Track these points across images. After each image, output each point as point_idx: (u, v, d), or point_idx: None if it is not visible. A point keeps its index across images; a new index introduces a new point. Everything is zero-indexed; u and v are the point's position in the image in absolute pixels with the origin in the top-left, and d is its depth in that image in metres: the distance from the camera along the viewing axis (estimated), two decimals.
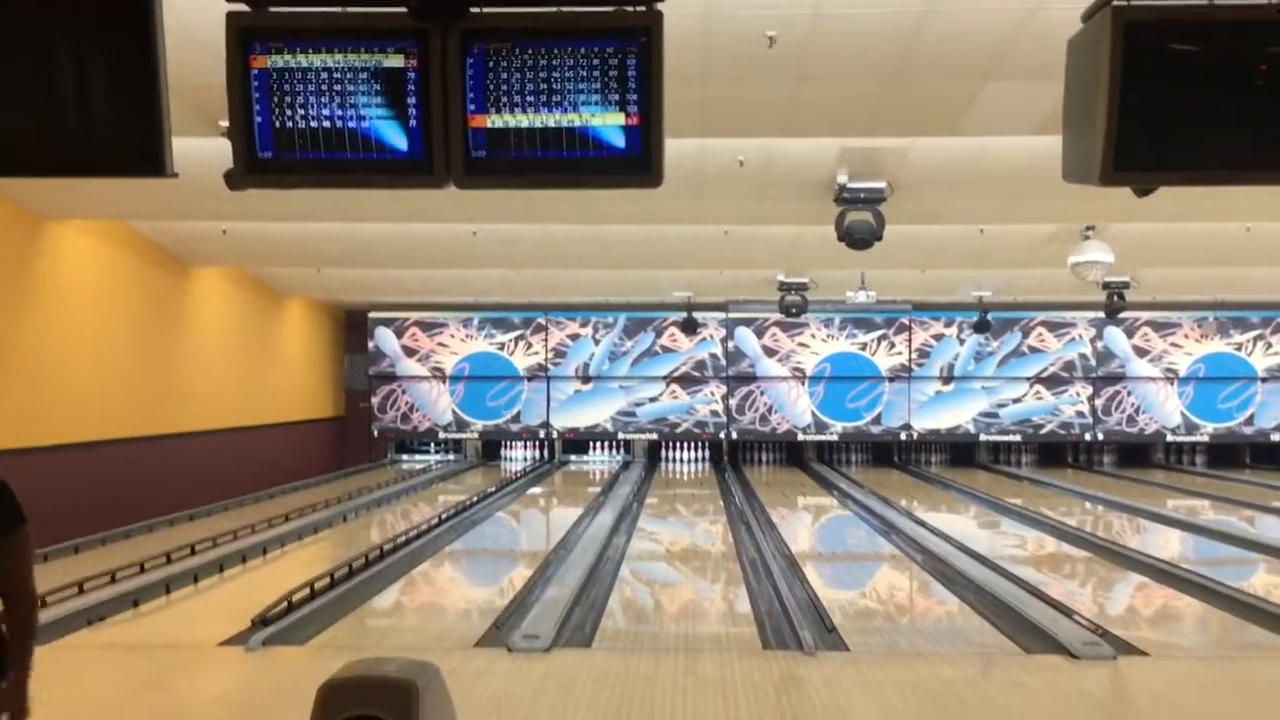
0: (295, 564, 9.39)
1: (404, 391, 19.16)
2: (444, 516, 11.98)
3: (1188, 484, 16.21)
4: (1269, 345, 18.39)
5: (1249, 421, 18.47)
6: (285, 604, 7.03)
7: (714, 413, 19.08)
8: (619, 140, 3.05)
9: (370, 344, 19.09)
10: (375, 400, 19.08)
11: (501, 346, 19.13)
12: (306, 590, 7.50)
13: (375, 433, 19.10)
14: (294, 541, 10.57)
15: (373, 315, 18.97)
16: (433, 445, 19.60)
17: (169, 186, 7.78)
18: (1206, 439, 18.44)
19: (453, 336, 19.16)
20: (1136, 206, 6.43)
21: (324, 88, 3.05)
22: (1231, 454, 18.30)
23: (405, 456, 19.47)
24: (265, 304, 15.79)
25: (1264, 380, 18.30)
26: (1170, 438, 18.63)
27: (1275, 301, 17.32)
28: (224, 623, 6.86)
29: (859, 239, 8.02)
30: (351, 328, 19.31)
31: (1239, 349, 18.43)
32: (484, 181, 3.31)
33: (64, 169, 3.30)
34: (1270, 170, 3.22)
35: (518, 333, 19.08)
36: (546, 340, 19.09)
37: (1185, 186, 3.80)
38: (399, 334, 19.14)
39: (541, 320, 19.04)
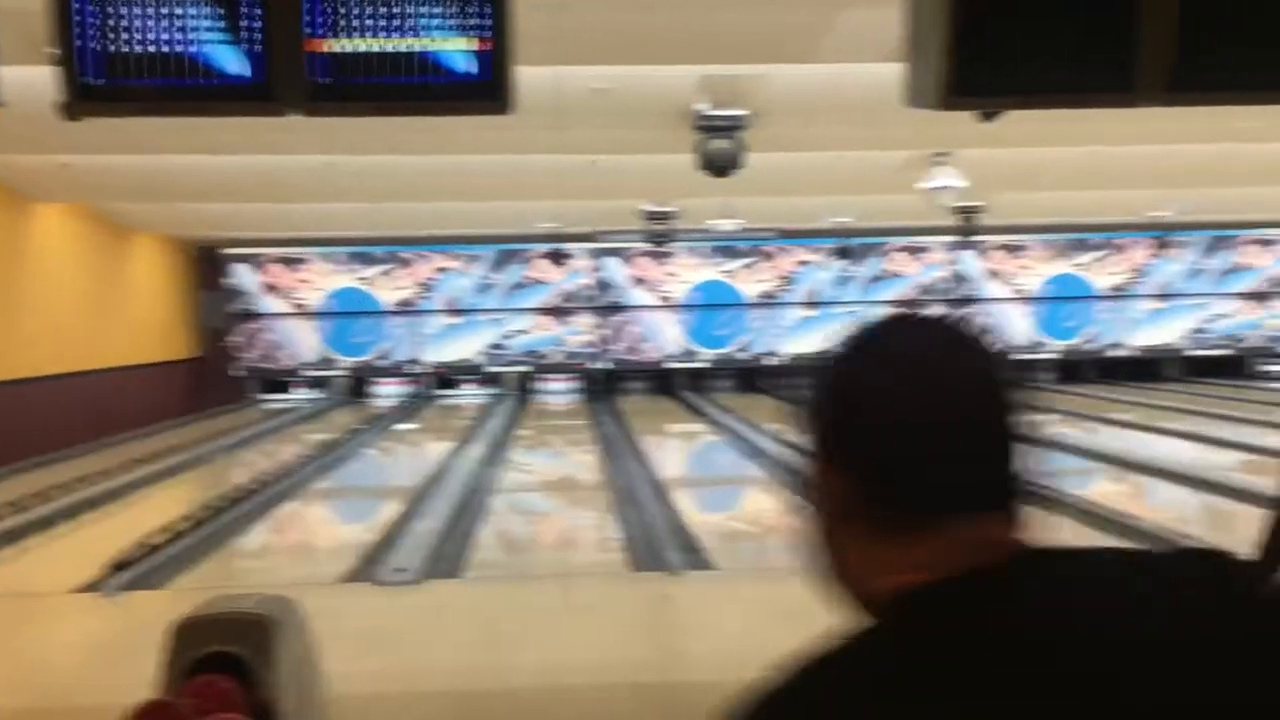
0: (155, 508, 9.14)
1: (266, 330, 18.67)
2: (311, 455, 11.80)
3: (1035, 399, 16.90)
4: (1109, 265, 19.25)
5: (1091, 339, 19.37)
6: (144, 548, 6.86)
7: (585, 343, 19.12)
8: (467, 66, 3.00)
9: (227, 281, 18.49)
10: (235, 339, 18.55)
11: (367, 281, 18.76)
12: (167, 533, 7.33)
13: (237, 373, 18.58)
14: (153, 485, 10.28)
15: (229, 251, 18.35)
16: (298, 384, 19.16)
17: (2, 118, 7.37)
18: (1054, 356, 19.27)
19: (316, 272, 18.70)
20: (986, 132, 6.63)
21: (156, 10, 2.92)
22: (1075, 370, 19.16)
23: (270, 396, 19.01)
24: (113, 241, 15.13)
25: (1105, 299, 19.16)
26: (1020, 355, 19.42)
27: (1117, 223, 18.08)
28: (79, 569, 6.66)
29: (719, 166, 8.08)
30: (207, 265, 18.62)
31: (1083, 269, 19.24)
32: (327, 109, 3.23)
33: None
34: (1108, 93, 3.35)
35: (384, 267, 18.72)
36: (413, 274, 18.79)
37: (1026, 110, 3.93)
38: (258, 270, 18.58)
39: (407, 254, 18.71)
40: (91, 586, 6.25)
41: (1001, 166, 10.84)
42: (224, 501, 8.62)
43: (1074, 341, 19.30)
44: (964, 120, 5.83)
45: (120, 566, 6.51)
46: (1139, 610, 0.86)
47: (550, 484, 10.92)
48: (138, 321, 16.07)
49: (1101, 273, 19.36)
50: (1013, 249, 19.08)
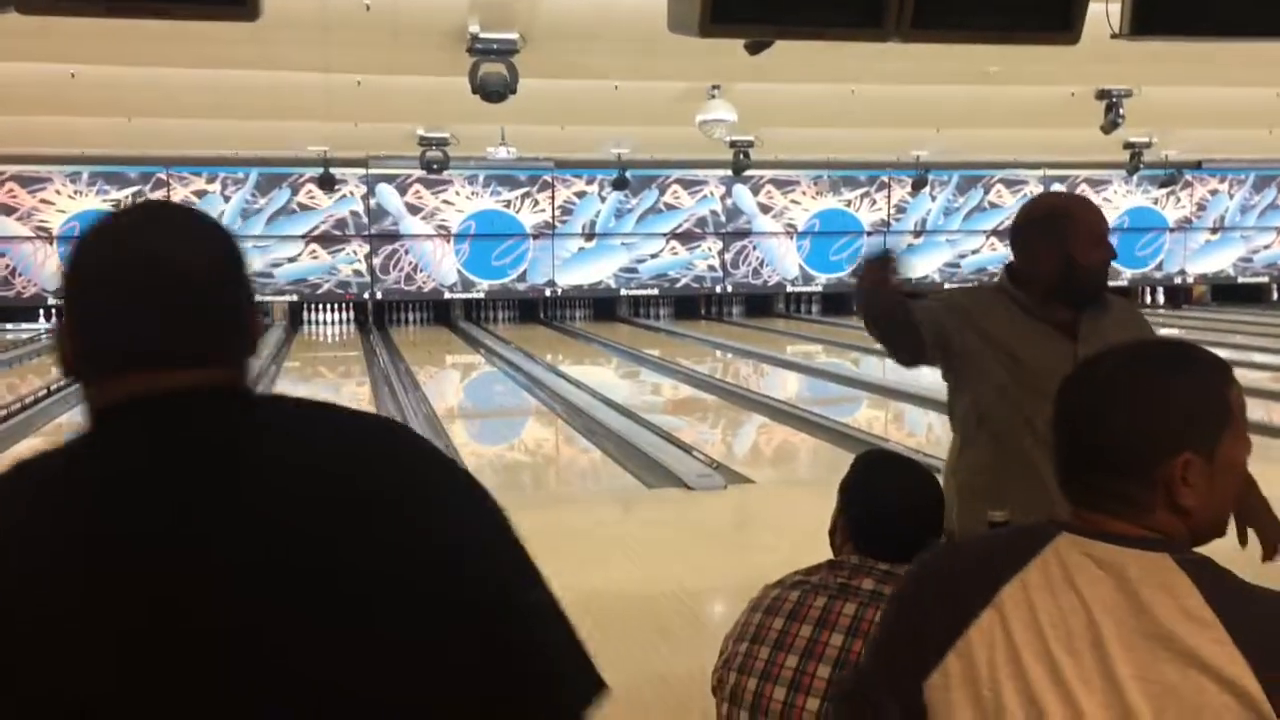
0: None
1: (2, 254, 17.25)
2: (55, 388, 11.02)
3: (805, 330, 17.61)
4: (874, 201, 20.12)
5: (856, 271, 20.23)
6: None
7: (357, 272, 18.56)
8: None
9: None
10: None
11: (117, 205, 17.52)
12: None
13: None
14: None
15: None
16: (42, 314, 17.78)
17: None
18: (821, 289, 20.04)
19: (58, 193, 17.34)
20: (757, 66, 6.73)
21: None
22: (842, 302, 20.02)
23: (9, 325, 17.58)
24: None
25: (869, 234, 20.03)
26: (790, 289, 20.12)
27: (881, 161, 18.88)
28: None
29: (492, 91, 7.91)
30: None
31: (849, 205, 20.03)
32: (54, 7, 2.96)
33: None
34: (858, 28, 3.44)
35: (135, 189, 17.52)
36: (168, 197, 17.68)
37: (781, 41, 3.99)
38: None
39: (163, 175, 17.59)
40: None
41: (771, 101, 11.08)
42: None
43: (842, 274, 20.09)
44: (736, 53, 5.90)
45: None
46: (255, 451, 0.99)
47: None
48: None
49: (867, 209, 20.19)
50: (782, 184, 19.64)
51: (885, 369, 11.59)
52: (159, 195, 17.52)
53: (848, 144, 16.03)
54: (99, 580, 0.89)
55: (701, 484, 6.51)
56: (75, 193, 17.38)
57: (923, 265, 20.01)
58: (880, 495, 2.05)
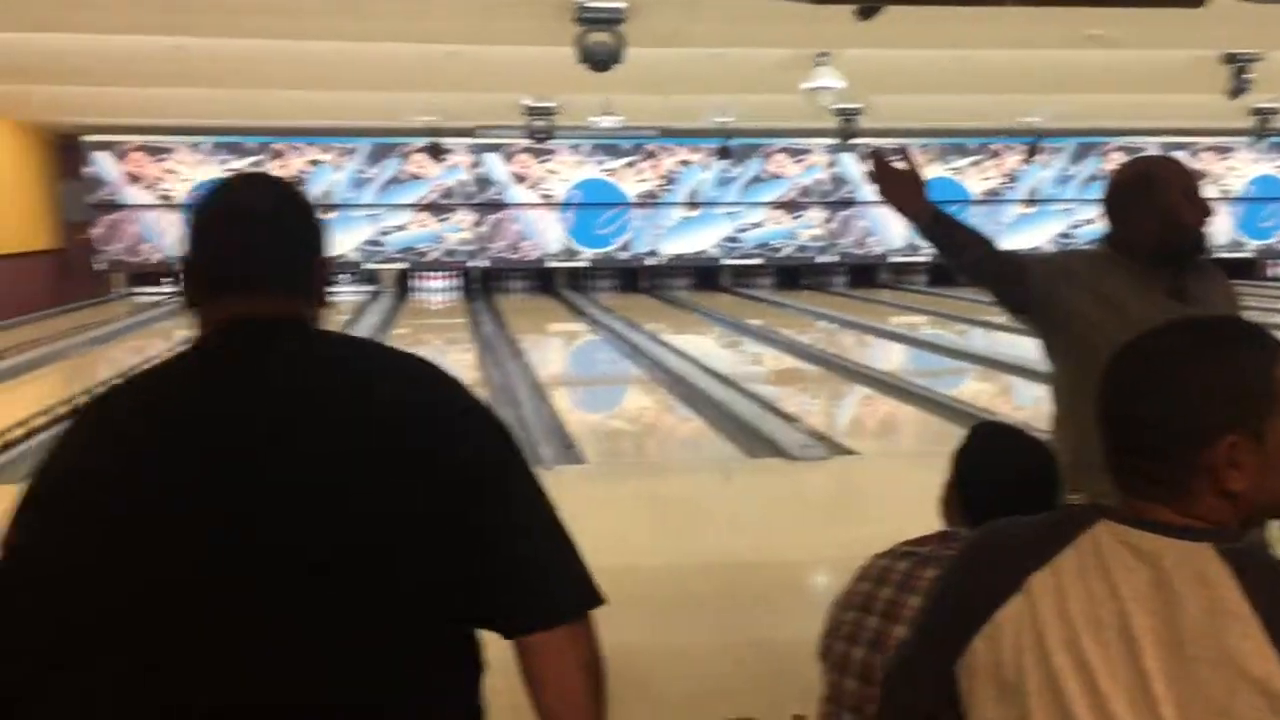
0: (12, 402, 8.80)
1: (130, 221, 17.92)
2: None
3: (909, 301, 17.36)
4: (984, 170, 19.68)
5: None
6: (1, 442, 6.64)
7: (463, 241, 18.85)
8: None
9: (88, 170, 17.64)
10: (98, 231, 17.77)
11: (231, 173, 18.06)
12: (23, 428, 7.07)
13: (100, 266, 17.84)
14: (10, 379, 9.89)
15: (88, 139, 17.46)
16: (164, 279, 18.43)
17: None
18: (927, 260, 19.70)
19: (182, 162, 17.95)
20: (865, 32, 6.64)
21: None
22: (948, 273, 19.67)
23: (139, 290, 18.28)
24: None
25: (978, 204, 19.60)
26: (895, 259, 19.83)
27: (995, 129, 18.44)
28: None
29: (599, 61, 7.95)
30: (66, 153, 17.72)
31: (957, 174, 19.63)
32: None
33: None
34: None
35: (254, 158, 18.05)
36: (285, 167, 18.15)
37: (899, 8, 3.94)
38: (120, 159, 17.76)
39: (279, 145, 18.08)
40: None
41: (879, 68, 10.90)
42: (85, 396, 8.33)
43: None
44: (843, 19, 5.84)
45: None
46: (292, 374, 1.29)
47: None
48: None
49: (976, 177, 19.77)
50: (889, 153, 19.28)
51: (992, 341, 11.40)
52: (275, 165, 18.04)
53: (957, 110, 15.69)
54: (176, 441, 1.24)
55: (804, 454, 6.50)
56: (197, 162, 17.96)
57: (1035, 235, 19.55)
58: (995, 466, 2.02)
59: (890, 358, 12.10)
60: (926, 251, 20.55)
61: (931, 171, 19.48)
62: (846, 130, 14.24)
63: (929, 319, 15.04)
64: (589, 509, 5.43)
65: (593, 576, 1.30)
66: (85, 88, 12.83)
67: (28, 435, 7.05)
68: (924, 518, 2.12)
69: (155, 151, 17.83)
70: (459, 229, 18.81)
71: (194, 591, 1.16)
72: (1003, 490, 1.95)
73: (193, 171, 17.94)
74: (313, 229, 1.40)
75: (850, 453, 6.93)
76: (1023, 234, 19.79)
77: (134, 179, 17.85)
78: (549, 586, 1.27)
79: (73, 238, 17.77)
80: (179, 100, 13.83)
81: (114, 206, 17.80)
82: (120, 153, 17.73)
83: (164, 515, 1.18)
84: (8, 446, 6.65)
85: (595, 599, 1.29)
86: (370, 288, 18.65)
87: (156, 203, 17.91)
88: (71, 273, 17.60)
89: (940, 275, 19.12)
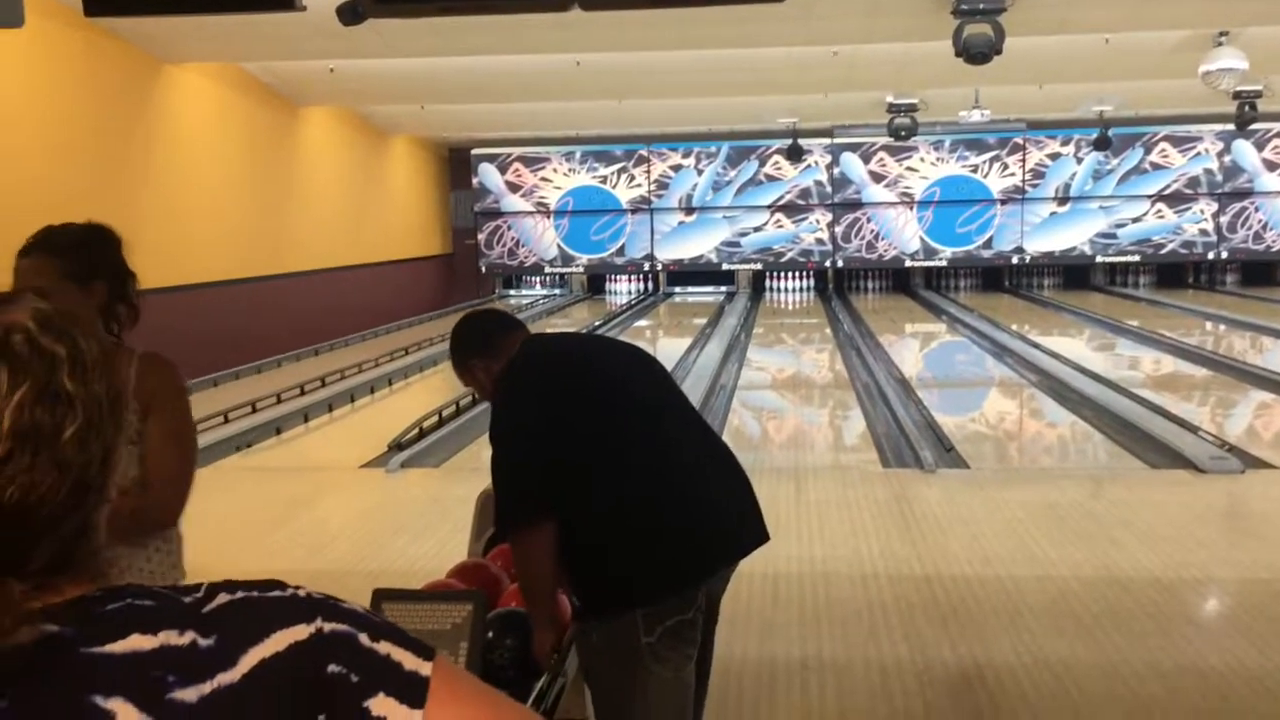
0: (419, 394, 9.73)
1: (509, 227, 19.31)
2: None
3: None
4: None
5: None
6: (417, 430, 7.34)
7: (819, 241, 18.88)
8: None
9: (474, 180, 19.18)
10: (481, 237, 19.29)
11: (604, 180, 19.05)
12: (435, 417, 7.79)
13: (482, 269, 19.37)
14: (415, 374, 10.92)
15: (476, 152, 19.00)
16: (539, 280, 19.82)
17: (282, 24, 7.81)
18: None
19: (555, 170, 19.14)
20: (1272, 8, 6.07)
21: None
22: None
23: (512, 291, 19.75)
24: (371, 142, 15.92)
25: None
26: None
27: None
28: (361, 447, 7.20)
29: (977, 53, 7.70)
30: (455, 165, 19.40)
31: None
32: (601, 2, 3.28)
33: (202, 5, 3.36)
34: None
35: (620, 165, 18.97)
36: (649, 172, 18.95)
37: None
38: (502, 170, 19.18)
39: (644, 152, 18.87)
40: (373, 463, 6.76)
41: None
42: None
43: None
44: None
45: (399, 446, 6.98)
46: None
47: (785, 382, 10.95)
48: (396, 219, 16.93)
49: None
50: None
51: None
52: (640, 170, 18.86)
53: None
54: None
55: (1215, 466, 6.02)
56: (569, 170, 19.08)
57: None
58: None
59: None
60: None
61: None
62: (1244, 115, 13.03)
63: None
64: (975, 512, 5.29)
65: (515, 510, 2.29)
66: (479, 105, 13.97)
67: (439, 424, 7.74)
68: None
69: (532, 162, 19.11)
70: (815, 229, 18.86)
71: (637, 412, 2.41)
72: None
73: (565, 179, 19.08)
74: None
75: (1268, 466, 6.35)
76: None
77: (513, 188, 19.22)
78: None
79: (461, 243, 19.41)
80: (559, 112, 14.77)
81: (496, 214, 19.25)
82: (503, 164, 19.14)
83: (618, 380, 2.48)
84: (423, 434, 7.35)
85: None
86: (727, 288, 19.06)
87: (532, 209, 19.20)
88: (458, 276, 19.21)
89: None
